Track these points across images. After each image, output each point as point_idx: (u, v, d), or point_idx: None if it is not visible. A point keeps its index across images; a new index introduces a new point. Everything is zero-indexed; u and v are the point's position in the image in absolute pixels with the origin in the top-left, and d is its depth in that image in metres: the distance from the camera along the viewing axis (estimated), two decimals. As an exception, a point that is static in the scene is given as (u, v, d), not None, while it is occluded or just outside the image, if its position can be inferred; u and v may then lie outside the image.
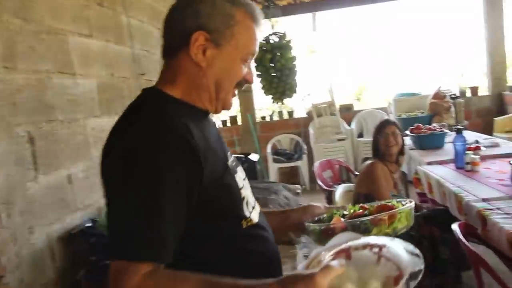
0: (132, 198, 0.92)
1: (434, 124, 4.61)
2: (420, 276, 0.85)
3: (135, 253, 0.90)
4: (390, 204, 1.29)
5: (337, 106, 6.93)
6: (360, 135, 6.93)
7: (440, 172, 3.05)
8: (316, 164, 4.16)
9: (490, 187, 2.51)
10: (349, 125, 6.94)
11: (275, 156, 6.83)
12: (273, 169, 6.74)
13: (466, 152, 2.99)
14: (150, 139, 0.96)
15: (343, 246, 0.98)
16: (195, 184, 0.98)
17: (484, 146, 3.64)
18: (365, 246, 0.96)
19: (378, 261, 0.90)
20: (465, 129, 4.85)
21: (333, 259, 0.93)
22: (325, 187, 3.88)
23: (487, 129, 6.59)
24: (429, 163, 3.36)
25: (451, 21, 11.14)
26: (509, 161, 2.54)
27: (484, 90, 7.33)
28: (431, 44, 10.87)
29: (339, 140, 6.60)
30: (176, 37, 1.09)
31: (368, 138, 5.73)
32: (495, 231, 1.92)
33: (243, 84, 1.16)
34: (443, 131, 3.96)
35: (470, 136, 4.30)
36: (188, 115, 1.05)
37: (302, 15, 7.34)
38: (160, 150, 0.94)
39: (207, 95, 1.11)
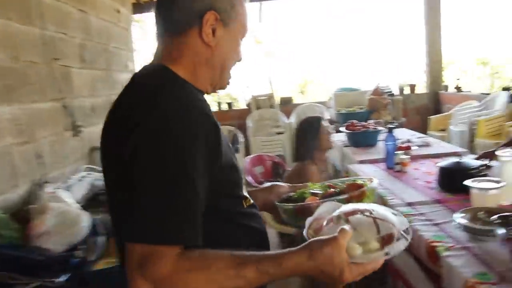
0: (165, 177, 0.89)
1: (370, 121, 4.57)
2: (410, 232, 1.03)
3: (169, 236, 0.87)
4: (359, 182, 1.39)
5: (277, 99, 6.82)
6: (299, 129, 6.84)
7: (370, 171, 2.96)
8: (247, 159, 4.00)
9: (416, 190, 2.43)
10: (289, 118, 6.85)
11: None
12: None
13: (396, 152, 2.92)
14: (182, 116, 0.94)
15: (338, 212, 1.07)
16: (214, 164, 0.98)
17: (416, 145, 3.62)
18: (355, 212, 1.04)
19: (374, 223, 1.00)
20: (400, 126, 4.87)
21: (334, 224, 1.02)
22: (254, 184, 3.72)
23: (424, 127, 6.70)
24: (361, 162, 3.28)
25: (395, 18, 11.35)
26: (436, 163, 2.47)
27: (422, 88, 7.45)
28: (374, 40, 11.00)
29: (278, 133, 6.50)
30: (185, 15, 1.07)
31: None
32: (416, 238, 1.82)
33: (236, 62, 1.20)
34: (376, 129, 3.89)
35: (405, 134, 4.29)
36: (196, 94, 1.07)
37: (248, 4, 7.13)
38: (192, 127, 0.93)
39: (210, 75, 1.13)
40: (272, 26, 11.36)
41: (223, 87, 1.19)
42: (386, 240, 0.97)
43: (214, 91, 1.17)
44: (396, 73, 7.38)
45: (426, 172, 2.77)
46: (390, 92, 5.18)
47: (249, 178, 3.81)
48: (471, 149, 5.13)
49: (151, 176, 0.90)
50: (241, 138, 6.69)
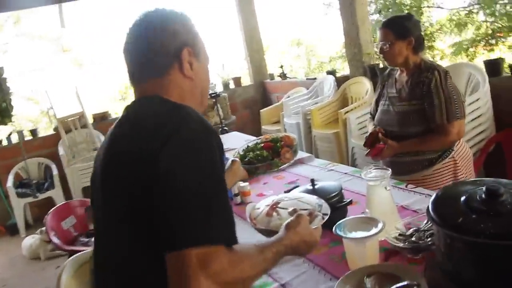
0: (203, 186, 0.99)
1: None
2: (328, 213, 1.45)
3: (222, 236, 0.99)
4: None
5: (89, 117, 5.77)
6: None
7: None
8: (47, 216, 2.96)
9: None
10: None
11: (20, 190, 5.35)
12: (19, 206, 5.27)
13: (232, 179, 2.27)
14: (205, 133, 1.05)
15: (274, 200, 1.54)
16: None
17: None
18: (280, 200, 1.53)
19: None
20: (230, 130, 4.30)
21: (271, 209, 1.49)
22: (64, 247, 2.76)
23: (256, 120, 6.30)
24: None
25: (207, 11, 10.93)
26: (284, 185, 1.86)
27: (248, 80, 7.05)
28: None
29: (98, 157, 5.46)
30: (164, 57, 1.18)
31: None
32: None
33: None
34: None
35: (237, 141, 3.71)
36: None
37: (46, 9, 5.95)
38: (212, 144, 1.04)
39: (195, 103, 1.24)
40: (78, 32, 10.08)
41: (204, 111, 1.43)
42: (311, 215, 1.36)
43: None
44: (218, 68, 6.82)
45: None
46: (214, 93, 4.56)
47: (55, 239, 2.82)
48: (310, 142, 4.81)
49: (195, 185, 0.98)
50: (54, 170, 5.52)
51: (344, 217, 1.75)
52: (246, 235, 1.81)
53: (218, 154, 1.05)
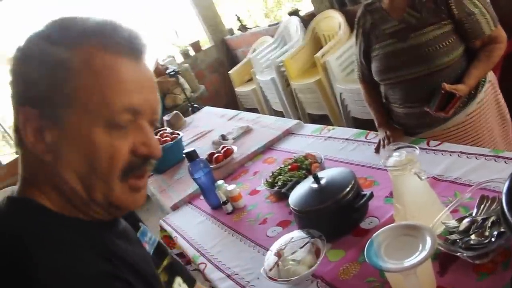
0: None
1: (165, 118, 3.44)
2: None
3: None
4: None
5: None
6: None
7: (188, 227, 1.88)
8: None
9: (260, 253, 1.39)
10: None
11: None
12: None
13: (216, 184, 1.84)
14: None
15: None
16: None
17: (233, 138, 2.59)
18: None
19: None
20: (201, 107, 3.82)
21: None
22: None
23: (227, 82, 5.81)
24: (175, 208, 2.13)
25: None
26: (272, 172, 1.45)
27: (207, 42, 6.47)
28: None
29: None
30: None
31: None
32: None
33: (140, 164, 0.75)
34: (176, 135, 2.71)
35: (211, 119, 3.25)
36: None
37: None
38: None
39: (78, 200, 0.73)
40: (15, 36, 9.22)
41: (123, 208, 0.79)
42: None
43: (114, 214, 0.80)
44: (171, 38, 6.20)
45: (272, 202, 1.76)
46: (173, 71, 4.01)
47: None
48: (292, 96, 4.36)
49: None
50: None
51: (365, 214, 1.36)
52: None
53: None
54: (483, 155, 1.38)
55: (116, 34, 0.72)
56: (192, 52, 6.12)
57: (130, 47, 0.72)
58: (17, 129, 0.72)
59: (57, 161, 0.70)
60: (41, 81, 0.68)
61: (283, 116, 4.27)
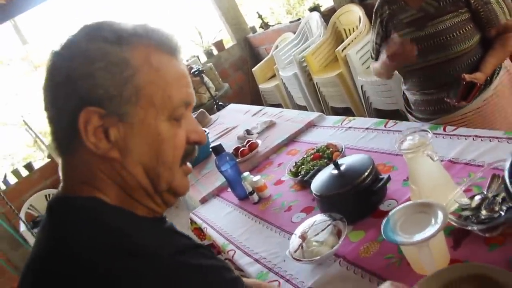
0: None
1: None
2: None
3: None
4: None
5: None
6: None
7: (217, 218, 1.97)
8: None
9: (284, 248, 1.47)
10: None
11: (36, 230, 5.04)
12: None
13: (242, 175, 1.94)
14: None
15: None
16: None
17: (258, 133, 2.69)
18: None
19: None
20: (226, 105, 3.92)
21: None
22: None
23: (250, 81, 5.92)
24: (203, 201, 2.24)
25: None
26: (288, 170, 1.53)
27: (230, 41, 6.58)
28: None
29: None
30: (61, 125, 0.74)
31: None
32: None
33: (192, 150, 0.84)
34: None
35: (236, 117, 3.35)
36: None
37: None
38: None
39: (141, 193, 0.78)
40: (44, 44, 9.55)
41: (179, 194, 0.86)
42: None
43: (171, 203, 0.87)
44: (195, 39, 6.32)
45: (297, 190, 1.84)
46: (197, 70, 4.12)
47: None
48: (315, 90, 4.43)
49: None
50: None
51: (384, 196, 1.44)
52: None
53: None
54: (496, 137, 1.44)
55: (159, 34, 0.79)
56: (215, 51, 6.24)
57: (172, 46, 0.80)
58: (55, 135, 0.77)
59: (125, 157, 0.75)
60: (107, 81, 0.72)
61: (306, 111, 4.33)
